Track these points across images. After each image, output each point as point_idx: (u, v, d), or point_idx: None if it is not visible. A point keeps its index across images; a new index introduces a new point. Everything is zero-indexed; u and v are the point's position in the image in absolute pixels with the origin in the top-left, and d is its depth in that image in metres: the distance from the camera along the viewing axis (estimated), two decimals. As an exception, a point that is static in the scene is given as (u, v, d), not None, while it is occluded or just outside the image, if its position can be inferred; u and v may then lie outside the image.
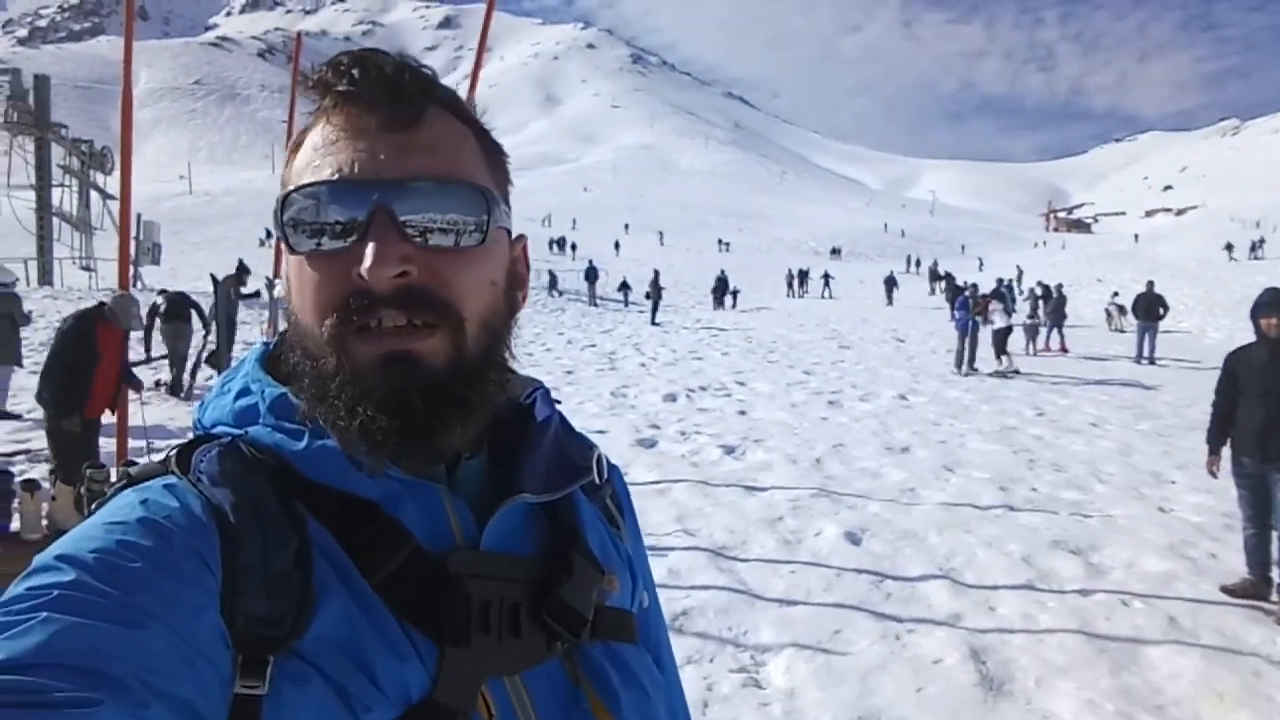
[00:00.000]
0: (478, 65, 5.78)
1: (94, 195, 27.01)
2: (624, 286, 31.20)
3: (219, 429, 0.68)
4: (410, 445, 0.62)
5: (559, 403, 0.81)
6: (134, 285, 21.95)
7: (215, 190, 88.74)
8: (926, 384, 13.46)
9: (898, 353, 18.02)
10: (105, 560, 0.53)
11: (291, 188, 0.64)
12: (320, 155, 0.63)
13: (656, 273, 26.68)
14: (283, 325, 0.70)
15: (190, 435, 0.71)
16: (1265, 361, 4.88)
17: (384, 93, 0.63)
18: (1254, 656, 4.13)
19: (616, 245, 54.97)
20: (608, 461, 0.84)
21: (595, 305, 29.28)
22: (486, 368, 0.67)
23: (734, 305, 31.72)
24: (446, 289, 0.63)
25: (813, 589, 4.88)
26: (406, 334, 0.61)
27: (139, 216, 25.72)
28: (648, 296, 25.41)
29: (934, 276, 41.95)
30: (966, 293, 15.92)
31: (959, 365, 14.91)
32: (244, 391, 0.69)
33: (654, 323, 23.50)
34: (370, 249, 0.60)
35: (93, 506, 0.61)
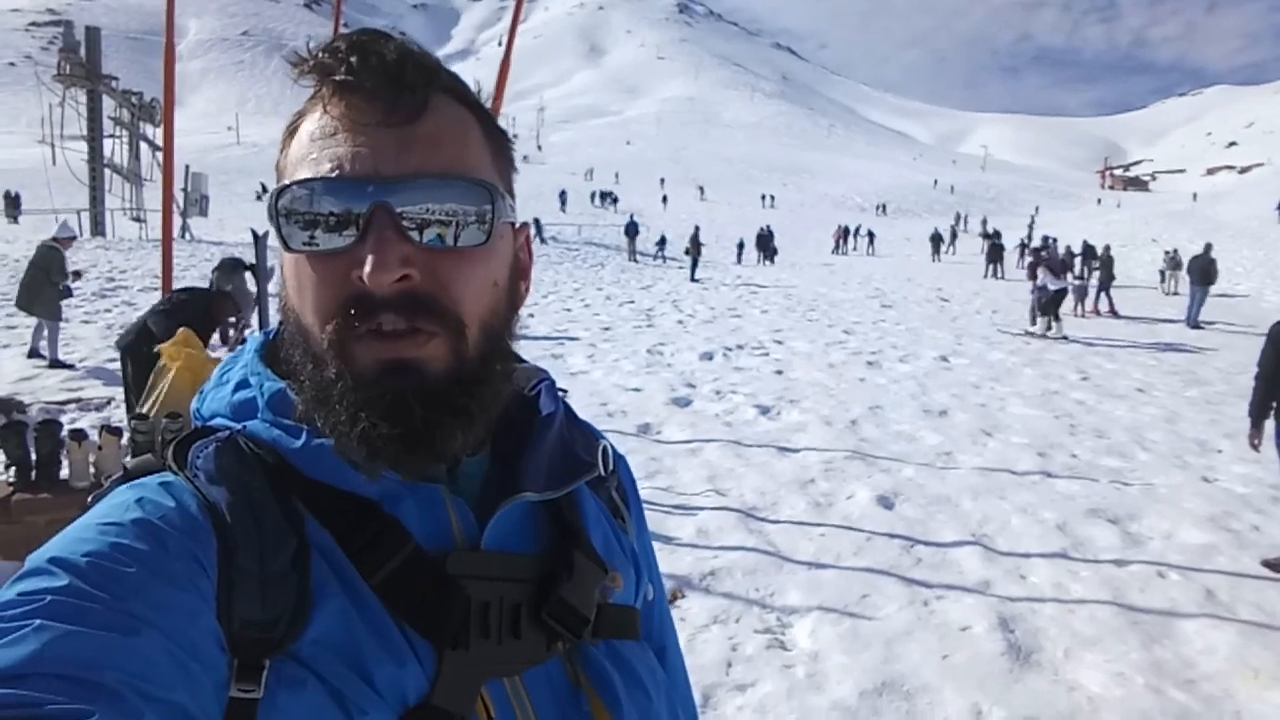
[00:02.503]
0: (514, 26, 5.71)
1: (144, 147, 27.39)
2: (661, 242, 31.07)
3: (217, 421, 0.67)
4: (409, 454, 0.61)
5: (565, 393, 0.80)
6: (181, 236, 22.41)
7: (262, 141, 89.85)
8: (969, 346, 13.25)
9: (941, 313, 17.73)
10: (99, 564, 0.52)
11: (288, 181, 0.62)
12: (318, 148, 0.61)
13: (696, 229, 26.47)
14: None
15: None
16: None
17: (385, 83, 0.60)
18: (1292, 633, 4.06)
19: (664, 200, 54.58)
20: (614, 452, 0.83)
21: (635, 261, 29.20)
22: (487, 370, 0.65)
23: (771, 261, 31.43)
24: (447, 293, 0.61)
25: (842, 552, 4.88)
26: (406, 339, 0.60)
27: (187, 168, 26.11)
28: (687, 252, 25.22)
29: (954, 235, 41.58)
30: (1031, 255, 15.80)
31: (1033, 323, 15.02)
32: (243, 384, 0.68)
33: (693, 279, 23.35)
34: (371, 252, 0.58)
35: (89, 501, 0.61)
